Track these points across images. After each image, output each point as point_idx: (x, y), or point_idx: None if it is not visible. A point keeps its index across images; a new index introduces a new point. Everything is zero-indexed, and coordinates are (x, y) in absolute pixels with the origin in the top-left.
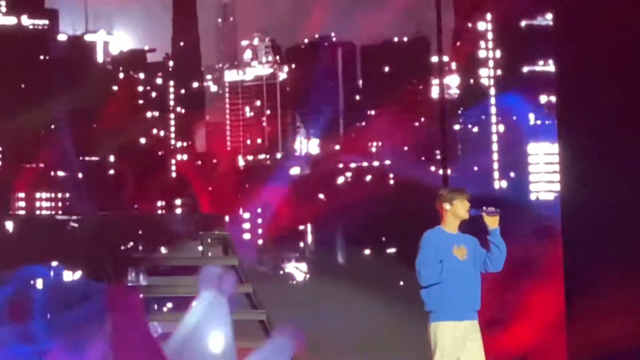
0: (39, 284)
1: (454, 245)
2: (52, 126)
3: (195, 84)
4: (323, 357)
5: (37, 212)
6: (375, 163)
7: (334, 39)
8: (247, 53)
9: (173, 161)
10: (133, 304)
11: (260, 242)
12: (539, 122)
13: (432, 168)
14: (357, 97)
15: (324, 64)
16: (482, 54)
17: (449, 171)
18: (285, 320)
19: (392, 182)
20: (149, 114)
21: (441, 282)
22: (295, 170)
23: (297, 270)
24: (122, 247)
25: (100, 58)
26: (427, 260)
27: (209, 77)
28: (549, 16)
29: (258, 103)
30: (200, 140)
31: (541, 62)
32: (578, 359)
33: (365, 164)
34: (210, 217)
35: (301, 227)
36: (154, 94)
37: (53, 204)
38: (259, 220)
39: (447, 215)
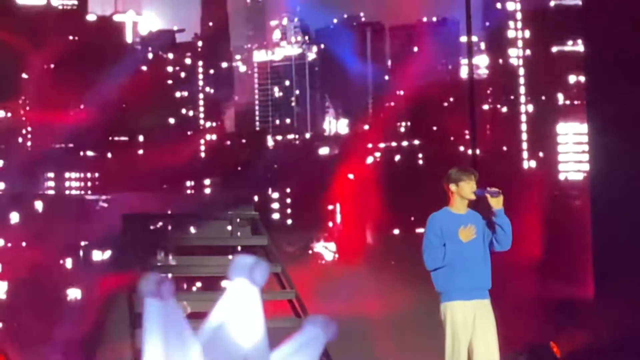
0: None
1: (460, 226)
2: (82, 106)
3: (224, 64)
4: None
5: (67, 191)
6: (404, 143)
7: (362, 19)
8: (275, 33)
9: (202, 141)
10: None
11: (289, 222)
12: (567, 102)
13: (461, 148)
14: (386, 77)
15: (353, 44)
16: (511, 34)
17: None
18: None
19: (421, 162)
20: (178, 94)
21: (447, 264)
22: (324, 150)
23: (326, 249)
24: (151, 227)
25: (129, 38)
26: (430, 244)
27: (237, 57)
28: None
29: (287, 83)
30: (229, 120)
31: (570, 42)
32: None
33: (394, 143)
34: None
35: (330, 207)
36: (183, 74)
37: (82, 183)
38: (288, 200)
39: (454, 196)
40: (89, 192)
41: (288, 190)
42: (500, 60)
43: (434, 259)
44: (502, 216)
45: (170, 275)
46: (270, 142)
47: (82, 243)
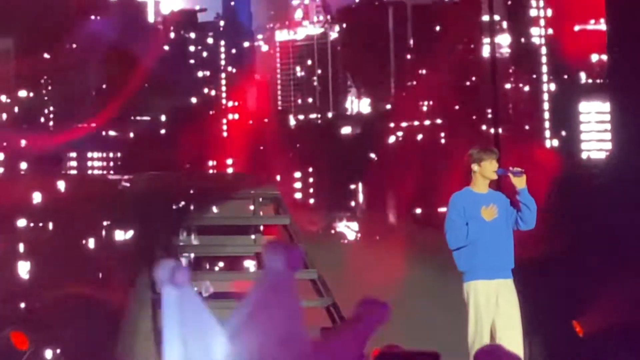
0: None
1: (482, 205)
2: (104, 86)
3: (246, 44)
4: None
5: (89, 171)
6: (426, 122)
7: None
8: (297, 13)
9: (224, 120)
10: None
11: (311, 201)
12: (590, 81)
13: (484, 127)
14: (408, 57)
15: (375, 23)
16: (533, 12)
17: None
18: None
19: (443, 141)
20: (200, 74)
21: (469, 244)
22: (346, 130)
23: (348, 229)
24: (174, 207)
25: (151, 18)
26: (453, 223)
27: (259, 36)
28: None
29: (309, 62)
30: (252, 100)
31: (592, 21)
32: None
33: (416, 123)
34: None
35: (352, 186)
36: (205, 54)
37: (104, 163)
38: (310, 180)
39: (476, 175)
40: (111, 171)
41: (310, 169)
42: (522, 39)
43: (456, 238)
44: (527, 195)
45: (192, 254)
46: (292, 121)
47: (104, 223)
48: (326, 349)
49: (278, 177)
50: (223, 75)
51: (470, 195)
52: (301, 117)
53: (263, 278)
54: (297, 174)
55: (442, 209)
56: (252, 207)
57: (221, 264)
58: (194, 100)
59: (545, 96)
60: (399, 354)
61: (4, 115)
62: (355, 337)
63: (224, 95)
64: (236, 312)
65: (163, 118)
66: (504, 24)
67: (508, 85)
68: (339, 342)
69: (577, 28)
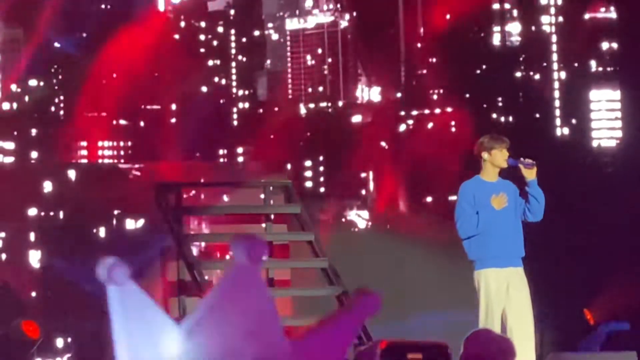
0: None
1: (492, 194)
2: (114, 75)
3: (256, 33)
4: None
5: (99, 160)
6: (437, 110)
7: None
8: (308, 1)
9: (234, 109)
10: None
11: (322, 190)
12: (600, 69)
13: (494, 115)
14: (419, 45)
15: (386, 11)
16: (543, 1)
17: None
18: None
19: (453, 129)
20: (210, 63)
21: (480, 233)
22: (356, 118)
23: (359, 217)
24: (184, 196)
25: (161, 7)
26: (463, 212)
27: (270, 25)
28: None
29: (319, 51)
30: (262, 89)
31: (603, 9)
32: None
33: (426, 111)
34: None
35: (363, 175)
36: (215, 43)
37: (115, 152)
38: (321, 168)
39: (486, 164)
40: (122, 160)
41: (321, 158)
42: (533, 28)
43: (467, 227)
44: (536, 187)
45: (203, 243)
46: (302, 110)
47: (115, 212)
48: (310, 342)
49: (289, 166)
50: (233, 64)
51: (480, 184)
52: (311, 105)
53: (225, 272)
54: (308, 163)
55: (453, 197)
56: (262, 196)
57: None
58: (204, 89)
59: (556, 84)
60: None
61: (15, 105)
62: (344, 328)
63: (234, 84)
64: (197, 308)
65: (173, 107)
66: (515, 12)
67: (518, 74)
68: (326, 334)
69: (587, 16)
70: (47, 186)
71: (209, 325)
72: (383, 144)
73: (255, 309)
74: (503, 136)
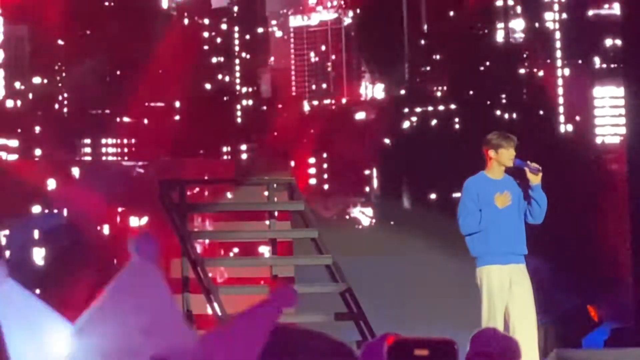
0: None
1: (496, 192)
2: (118, 72)
3: (260, 30)
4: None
5: (103, 157)
6: (441, 107)
7: None
8: None
9: (238, 106)
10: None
11: (325, 187)
12: (604, 65)
13: (498, 112)
14: (422, 42)
15: (389, 8)
16: None
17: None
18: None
19: (457, 126)
20: (214, 60)
21: (482, 230)
22: (360, 115)
23: (363, 214)
24: (188, 193)
25: (165, 4)
26: (466, 208)
27: (273, 22)
28: None
29: (323, 48)
30: (266, 86)
31: (606, 6)
32: None
33: (430, 108)
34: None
35: (367, 172)
36: (218, 40)
37: (119, 149)
38: (325, 165)
39: (492, 161)
40: (126, 158)
41: (324, 155)
42: (537, 24)
43: (469, 224)
44: (539, 191)
45: (207, 240)
46: (306, 107)
47: (119, 209)
48: (224, 334)
49: (292, 163)
50: (237, 61)
51: (484, 181)
52: (315, 102)
53: (120, 271)
54: (311, 160)
55: (457, 194)
56: (266, 193)
57: (236, 249)
58: (208, 86)
59: (560, 81)
60: (414, 341)
61: (19, 102)
62: (259, 320)
63: (237, 81)
64: (90, 307)
65: (177, 104)
66: (518, 9)
67: (522, 70)
68: (240, 326)
69: (591, 13)
70: (51, 184)
71: (101, 324)
72: (387, 140)
73: (151, 305)
74: (511, 135)
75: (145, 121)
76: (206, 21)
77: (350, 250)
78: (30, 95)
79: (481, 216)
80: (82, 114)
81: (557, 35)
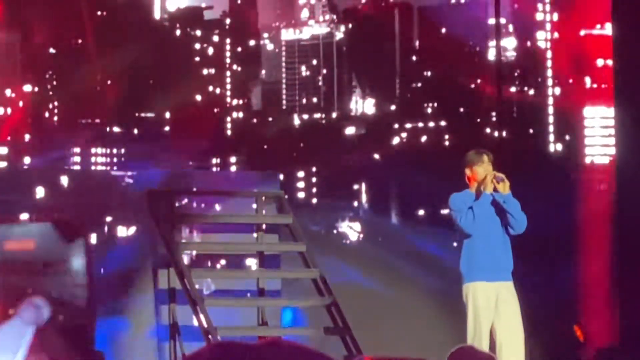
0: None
1: (482, 203)
2: (109, 82)
3: (251, 42)
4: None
5: (92, 167)
6: (431, 124)
7: (391, 0)
8: (304, 12)
9: (228, 118)
10: None
11: (314, 201)
12: (595, 85)
13: (488, 130)
14: (414, 58)
15: (381, 24)
16: (539, 16)
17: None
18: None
19: (447, 143)
20: (205, 71)
21: (472, 234)
22: (350, 130)
23: (351, 229)
24: (176, 204)
25: (157, 15)
26: (459, 210)
27: (265, 35)
28: None
29: (314, 62)
30: (256, 99)
31: (598, 26)
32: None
33: (420, 124)
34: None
35: (355, 187)
36: (210, 51)
37: (108, 159)
38: (313, 179)
39: (471, 179)
40: (115, 167)
41: (314, 169)
42: (528, 43)
43: (466, 220)
44: (510, 201)
45: (194, 252)
46: (296, 120)
47: (107, 219)
48: None
49: (281, 176)
50: (228, 73)
51: (469, 197)
52: (305, 116)
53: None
54: (301, 174)
55: (445, 211)
56: (254, 206)
57: (223, 262)
58: (198, 97)
59: (550, 100)
60: None
61: (9, 110)
62: (9, 333)
63: (228, 93)
64: None
65: (167, 115)
66: (510, 27)
67: (513, 89)
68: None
69: (582, 33)
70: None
71: None
72: (376, 156)
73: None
74: (484, 150)
75: (135, 131)
76: (198, 32)
77: (338, 264)
78: (21, 103)
79: (473, 214)
80: (71, 123)
81: (549, 54)
